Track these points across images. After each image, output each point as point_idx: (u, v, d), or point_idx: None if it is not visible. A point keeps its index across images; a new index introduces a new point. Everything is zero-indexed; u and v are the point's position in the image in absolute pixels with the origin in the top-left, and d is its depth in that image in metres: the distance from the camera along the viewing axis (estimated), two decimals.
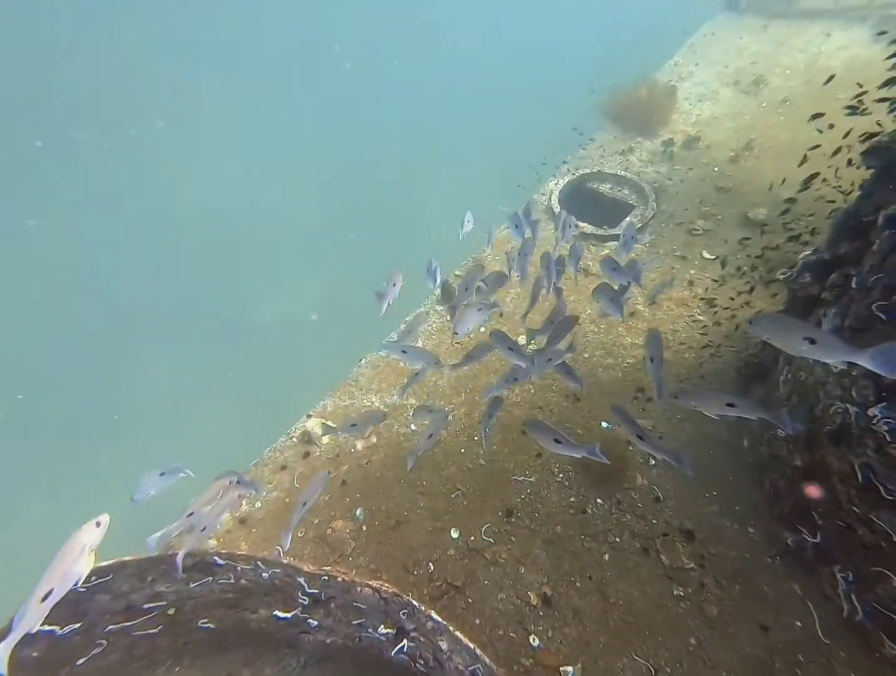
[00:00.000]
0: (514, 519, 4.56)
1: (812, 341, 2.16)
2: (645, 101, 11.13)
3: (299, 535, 4.44)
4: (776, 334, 2.33)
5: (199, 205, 19.72)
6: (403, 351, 3.83)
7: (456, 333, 3.31)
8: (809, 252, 3.91)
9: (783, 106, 10.85)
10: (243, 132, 23.39)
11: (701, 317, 6.31)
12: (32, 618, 1.90)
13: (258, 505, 4.74)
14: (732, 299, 6.30)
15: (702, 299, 6.51)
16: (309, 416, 5.45)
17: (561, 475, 4.90)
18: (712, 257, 7.17)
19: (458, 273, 7.20)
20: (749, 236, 7.22)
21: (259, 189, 20.84)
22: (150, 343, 15.33)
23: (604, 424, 5.32)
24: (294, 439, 5.26)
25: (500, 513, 4.62)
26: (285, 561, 2.80)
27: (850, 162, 5.12)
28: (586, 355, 6.10)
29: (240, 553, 2.78)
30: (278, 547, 4.25)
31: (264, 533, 4.51)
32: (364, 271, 15.72)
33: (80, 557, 2.03)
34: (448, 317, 6.63)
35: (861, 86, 5.22)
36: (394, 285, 3.50)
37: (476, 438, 5.32)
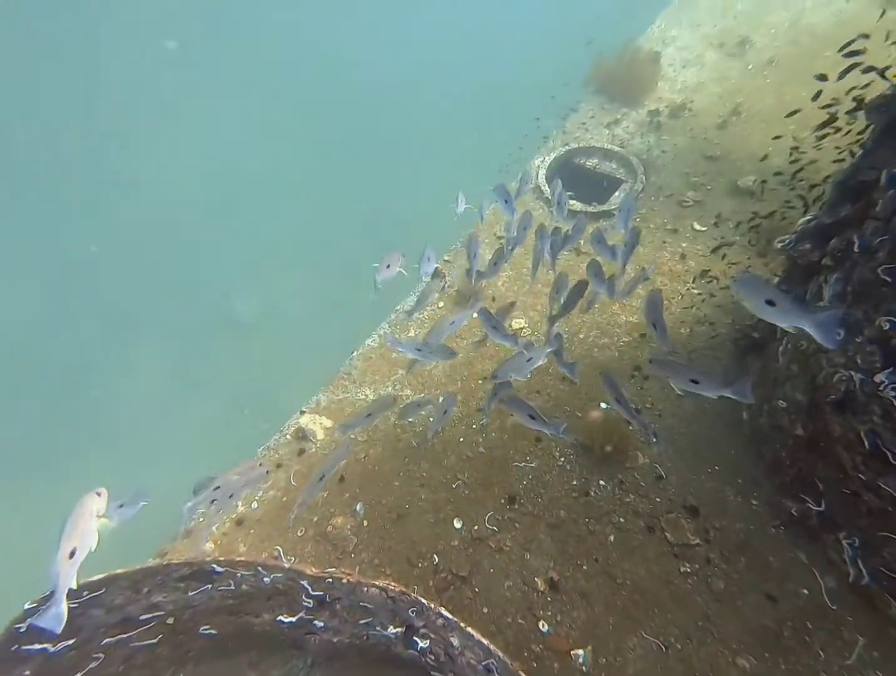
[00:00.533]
0: (516, 506, 4.51)
1: (772, 303, 2.21)
2: (629, 70, 10.86)
3: (299, 534, 4.36)
4: (747, 295, 2.34)
5: (179, 194, 19.12)
6: (419, 350, 3.72)
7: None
8: (808, 218, 3.80)
9: (769, 67, 10.64)
10: (220, 118, 22.61)
11: (695, 291, 6.22)
12: (67, 574, 2.01)
13: (255, 505, 4.64)
14: (727, 269, 6.22)
15: (696, 273, 6.42)
16: (302, 413, 5.32)
17: (562, 459, 4.84)
18: (704, 228, 7.06)
19: (447, 258, 7.04)
20: (741, 205, 7.12)
21: (239, 178, 20.24)
22: (132, 340, 14.88)
23: (602, 405, 5.25)
24: (288, 436, 5.14)
25: (502, 501, 4.56)
26: (287, 566, 2.70)
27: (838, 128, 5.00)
28: (581, 336, 6.00)
29: (239, 559, 2.68)
30: (278, 548, 4.17)
31: (262, 533, 4.42)
32: (352, 261, 15.48)
33: (92, 519, 2.11)
34: (439, 306, 6.49)
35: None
36: (388, 266, 3.43)
37: (475, 426, 5.24)
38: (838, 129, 5.07)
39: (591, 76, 11.03)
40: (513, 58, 23.85)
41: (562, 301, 4.00)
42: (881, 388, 2.85)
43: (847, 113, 4.75)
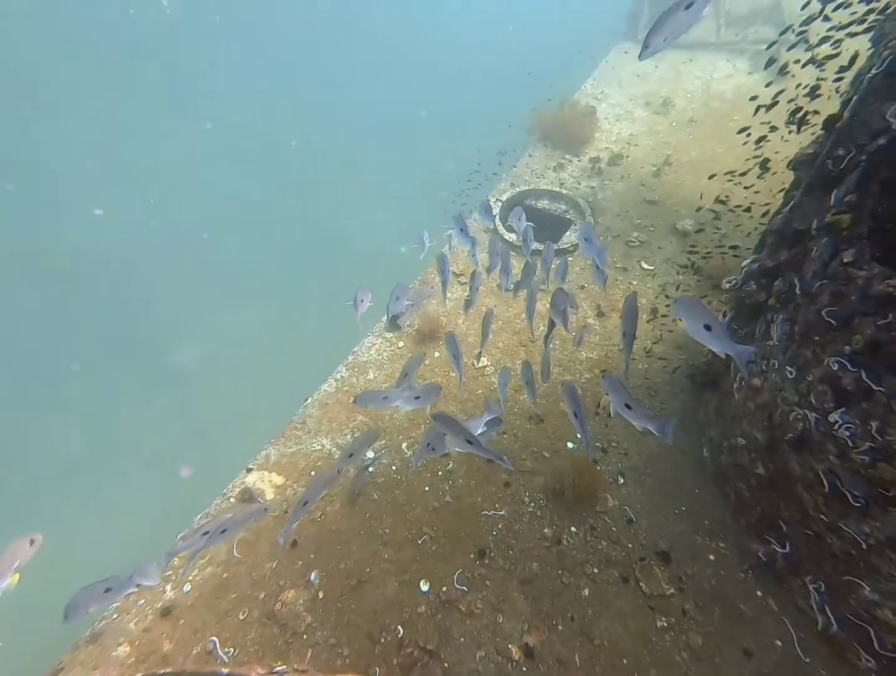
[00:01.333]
0: (487, 561, 4.23)
1: (709, 328, 2.36)
2: (569, 121, 11.60)
3: (241, 617, 3.81)
4: (687, 317, 2.45)
5: (111, 237, 17.91)
6: (416, 397, 3.49)
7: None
8: (751, 260, 4.01)
9: (690, 125, 11.71)
10: (158, 162, 21.73)
11: (649, 326, 6.43)
12: None
13: (187, 588, 4.03)
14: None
15: (647, 310, 6.65)
16: (249, 470, 4.82)
17: (532, 504, 4.66)
18: (651, 267, 7.41)
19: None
20: (683, 245, 7.57)
21: (180, 219, 19.33)
22: (51, 404, 13.21)
23: (569, 445, 5.18)
24: (232, 499, 4.60)
25: (472, 556, 4.28)
26: (225, 672, 2.27)
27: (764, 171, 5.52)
28: None
29: (164, 673, 2.21)
30: (214, 639, 3.59)
31: (195, 622, 3.81)
32: (302, 301, 14.96)
33: (6, 571, 2.08)
34: (399, 346, 6.28)
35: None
36: (362, 302, 3.57)
37: (440, 473, 4.97)
38: (762, 174, 5.61)
39: (534, 124, 11.66)
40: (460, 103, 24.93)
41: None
42: (835, 428, 2.93)
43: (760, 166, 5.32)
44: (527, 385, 3.97)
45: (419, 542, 4.39)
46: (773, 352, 3.67)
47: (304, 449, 5.09)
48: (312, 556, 4.22)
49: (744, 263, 4.07)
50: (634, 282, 7.16)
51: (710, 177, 7.54)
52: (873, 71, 2.65)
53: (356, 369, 5.95)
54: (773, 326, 3.67)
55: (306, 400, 5.58)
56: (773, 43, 6.15)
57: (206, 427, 12.10)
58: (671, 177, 9.73)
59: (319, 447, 5.12)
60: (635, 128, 11.96)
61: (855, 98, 2.82)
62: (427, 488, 4.86)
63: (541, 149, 11.00)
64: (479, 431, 3.31)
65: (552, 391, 5.74)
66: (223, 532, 2.78)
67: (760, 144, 5.82)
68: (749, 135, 6.06)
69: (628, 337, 2.92)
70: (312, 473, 4.88)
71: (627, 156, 10.47)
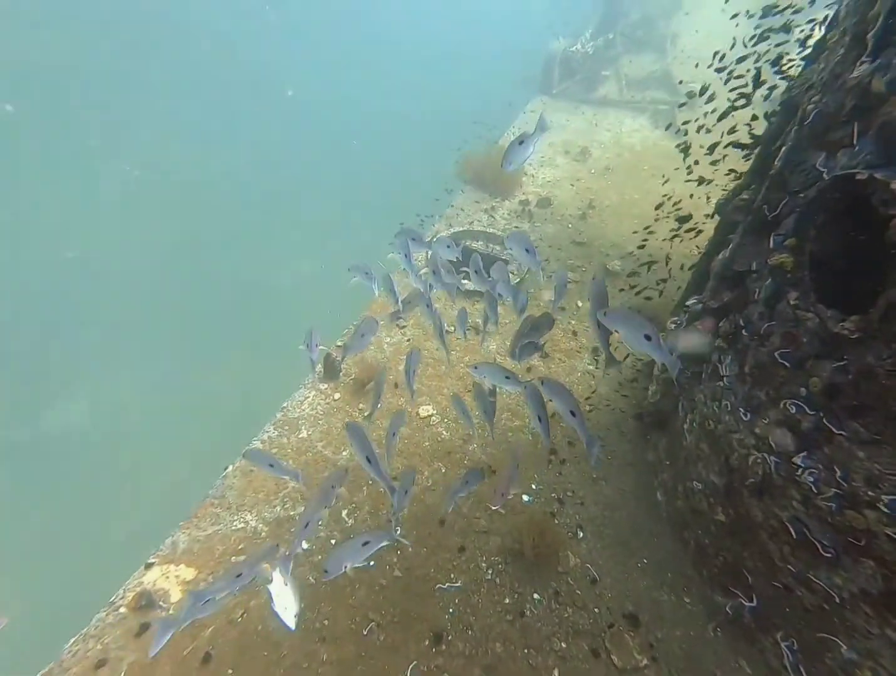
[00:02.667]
0: (444, 646, 3.70)
1: (648, 338, 2.46)
2: (497, 165, 12.01)
3: None
4: (623, 327, 2.56)
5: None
6: (271, 465, 3.45)
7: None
8: (694, 301, 4.07)
9: (607, 172, 12.62)
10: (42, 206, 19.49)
11: (591, 367, 6.42)
12: None
13: None
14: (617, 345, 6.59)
15: (588, 349, 6.68)
16: (149, 565, 3.92)
17: (490, 570, 4.22)
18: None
19: (339, 343, 6.37)
20: (613, 285, 7.81)
21: (76, 255, 17.27)
22: None
23: (525, 497, 4.85)
24: (122, 608, 3.65)
25: (427, 641, 3.72)
26: None
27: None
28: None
29: None
30: None
31: None
32: (216, 350, 13.62)
33: None
34: (335, 398, 5.70)
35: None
36: (316, 345, 3.59)
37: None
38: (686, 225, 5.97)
39: (463, 169, 11.92)
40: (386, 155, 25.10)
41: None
42: (798, 473, 2.87)
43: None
44: (463, 415, 3.95)
45: (364, 633, 3.76)
46: (724, 394, 3.65)
47: (223, 529, 4.28)
48: (231, 672, 3.42)
49: (688, 303, 4.13)
50: (573, 322, 7.22)
51: (634, 232, 7.94)
52: (802, 123, 2.78)
53: (286, 427, 5.28)
54: (722, 367, 3.67)
55: (226, 468, 4.80)
56: (683, 104, 6.69)
57: (91, 511, 9.83)
58: (596, 220, 10.26)
59: (242, 525, 4.35)
60: (558, 173, 12.65)
61: (784, 148, 2.95)
62: (372, 563, 4.26)
63: (472, 191, 11.21)
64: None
65: (500, 439, 5.45)
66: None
67: (678, 207, 6.27)
68: (667, 181, 6.51)
69: (604, 328, 2.75)
70: (233, 559, 4.09)
71: (553, 201, 10.94)
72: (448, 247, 4.21)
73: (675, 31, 18.68)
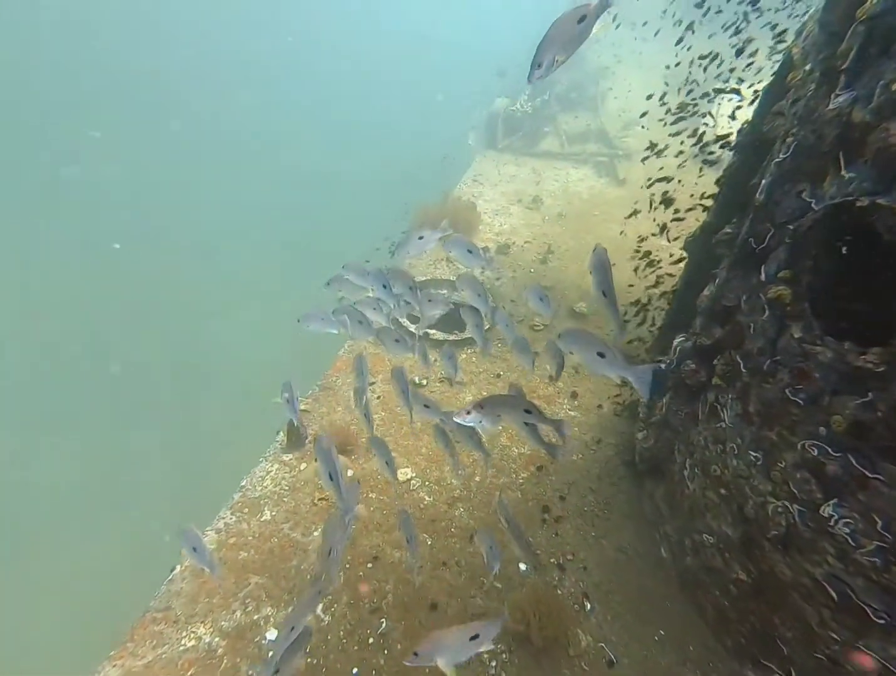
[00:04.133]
0: None
1: (602, 355, 2.47)
2: (454, 214, 12.18)
3: None
4: (578, 348, 2.58)
5: None
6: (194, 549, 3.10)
7: None
8: (682, 338, 3.93)
9: (561, 219, 13.07)
10: None
11: (573, 413, 6.17)
12: None
13: None
14: (592, 386, 6.41)
15: (566, 393, 6.45)
16: None
17: (494, 662, 3.64)
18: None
19: (304, 407, 5.80)
20: (582, 326, 7.76)
21: None
22: None
23: (521, 567, 4.35)
24: None
25: None
26: None
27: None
28: (477, 479, 5.22)
29: None
30: None
31: None
32: (149, 425, 12.26)
33: None
34: (300, 469, 5.07)
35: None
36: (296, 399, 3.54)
37: (371, 640, 3.75)
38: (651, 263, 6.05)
39: (419, 218, 11.97)
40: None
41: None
42: (830, 524, 2.62)
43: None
44: (407, 542, 3.33)
45: None
46: (728, 435, 3.44)
47: (169, 652, 3.48)
48: None
49: (675, 342, 3.99)
50: (547, 367, 7.00)
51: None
52: (781, 156, 2.77)
53: (246, 510, 4.58)
54: (722, 407, 3.48)
55: (172, 570, 4.02)
56: (645, 158, 7.00)
57: None
58: (556, 264, 10.42)
59: (192, 643, 3.55)
60: (514, 221, 12.96)
61: (765, 182, 2.93)
62: (355, 669, 3.58)
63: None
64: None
65: (486, 501, 4.98)
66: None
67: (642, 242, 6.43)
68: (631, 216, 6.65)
69: (609, 295, 2.55)
70: None
71: (512, 247, 11.09)
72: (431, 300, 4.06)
73: (603, 93, 20.44)
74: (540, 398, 6.37)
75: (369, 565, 4.29)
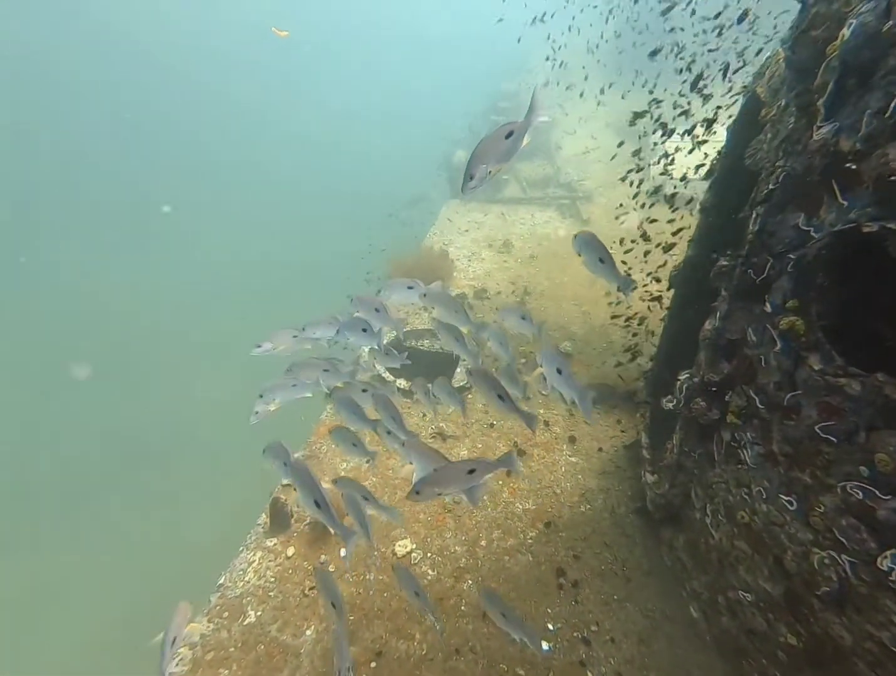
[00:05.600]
0: None
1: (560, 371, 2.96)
2: (427, 263, 12.22)
3: None
4: (545, 362, 3.11)
5: None
6: None
7: None
8: (687, 375, 3.77)
9: (533, 260, 13.28)
10: None
11: (573, 459, 5.87)
12: None
13: None
14: (591, 430, 6.17)
15: (564, 439, 6.18)
16: None
17: None
18: (548, 392, 7.17)
19: (286, 481, 5.31)
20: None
21: None
22: None
23: (544, 646, 3.89)
24: None
25: None
26: None
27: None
28: (483, 543, 4.79)
29: None
30: None
31: None
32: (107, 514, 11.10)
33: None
34: (287, 555, 4.52)
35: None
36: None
37: None
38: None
39: (393, 269, 11.94)
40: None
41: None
42: (892, 578, 2.36)
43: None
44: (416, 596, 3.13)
45: None
46: (753, 478, 3.21)
47: None
48: None
49: (680, 378, 3.82)
50: (541, 411, 6.76)
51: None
52: (770, 186, 2.73)
53: (226, 614, 3.99)
54: (741, 447, 3.27)
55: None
56: (618, 216, 7.22)
57: None
58: (535, 304, 10.42)
59: None
60: (487, 266, 13.08)
61: (757, 213, 2.88)
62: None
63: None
64: None
65: (496, 570, 4.54)
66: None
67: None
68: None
69: (607, 263, 2.79)
70: None
71: (488, 292, 11.10)
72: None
73: (557, 142, 21.58)
74: (538, 446, 6.06)
75: (373, 664, 3.75)
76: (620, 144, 8.48)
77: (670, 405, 3.88)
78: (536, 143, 21.82)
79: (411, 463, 3.02)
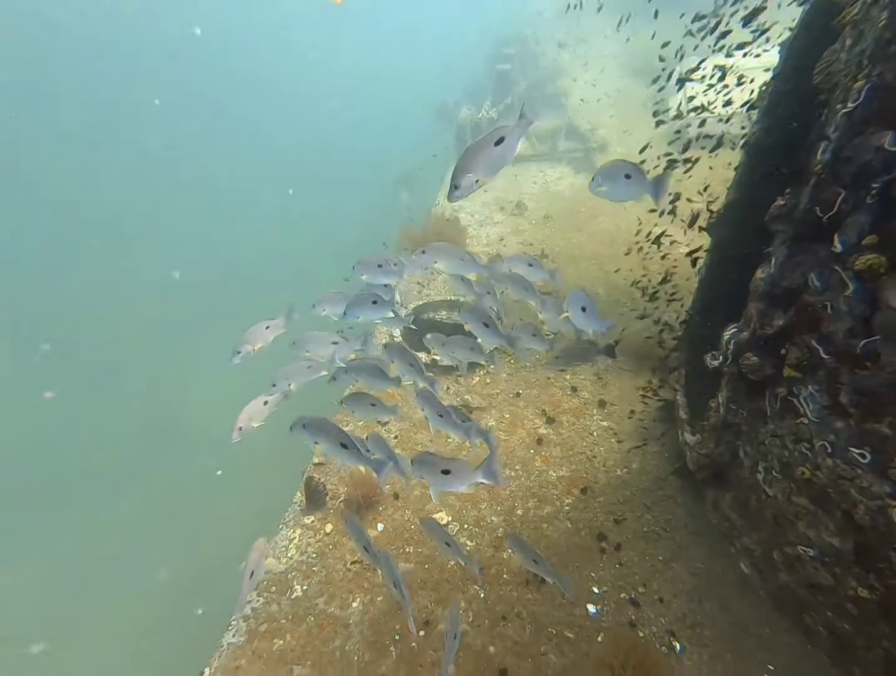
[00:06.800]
0: None
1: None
2: (438, 231, 11.84)
3: None
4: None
5: None
6: None
7: None
8: (734, 330, 3.54)
9: (547, 221, 12.82)
10: None
11: (604, 423, 5.73)
12: None
13: None
14: (619, 393, 6.01)
15: (594, 403, 6.02)
16: None
17: None
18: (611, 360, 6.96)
19: (317, 460, 5.26)
20: None
21: None
22: None
23: (591, 609, 3.85)
24: None
25: None
26: None
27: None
28: (519, 512, 4.73)
29: None
30: None
31: None
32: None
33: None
34: (326, 531, 4.52)
35: None
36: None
37: None
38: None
39: (402, 240, 11.59)
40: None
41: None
42: None
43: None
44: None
45: None
46: (815, 432, 3.02)
47: None
48: None
49: (727, 335, 3.59)
50: (568, 377, 6.59)
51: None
52: (850, 105, 2.42)
53: (274, 588, 4.02)
54: (801, 401, 3.07)
55: (201, 674, 3.44)
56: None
57: None
58: (553, 267, 10.07)
59: None
60: (500, 229, 12.68)
61: (829, 141, 2.57)
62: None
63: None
64: None
65: (534, 538, 4.47)
66: None
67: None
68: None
69: (635, 175, 2.53)
70: None
71: (503, 257, 10.76)
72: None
73: (564, 90, 20.45)
74: (567, 412, 5.92)
75: (421, 633, 3.75)
76: (655, 80, 7.67)
77: (715, 363, 3.66)
78: (544, 94, 20.74)
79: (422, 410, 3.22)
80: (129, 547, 10.14)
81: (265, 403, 3.34)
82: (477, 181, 2.05)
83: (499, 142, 2.00)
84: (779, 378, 3.25)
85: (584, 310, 3.11)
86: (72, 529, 10.93)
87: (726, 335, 3.60)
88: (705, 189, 6.16)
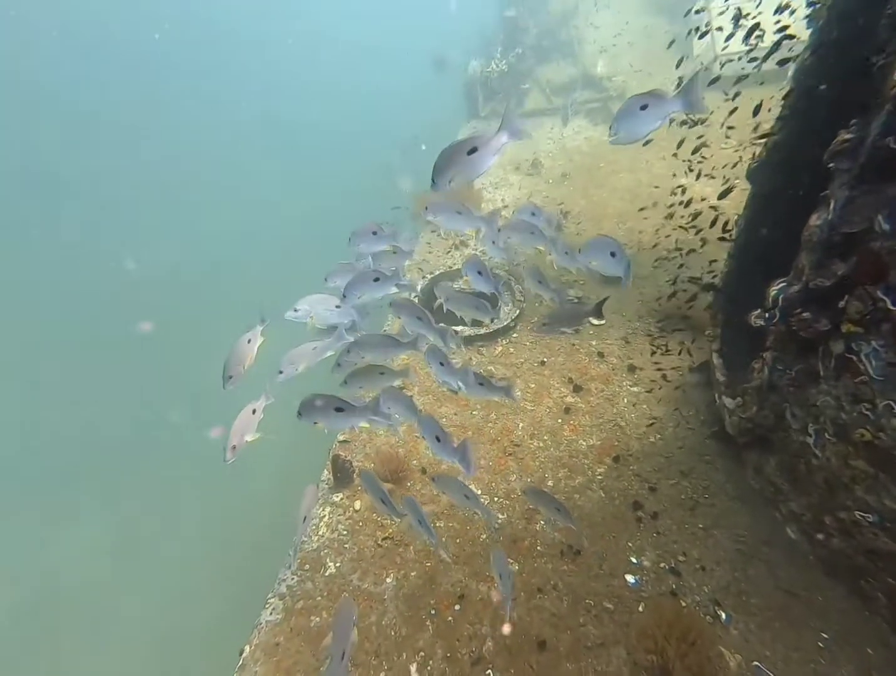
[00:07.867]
0: None
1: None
2: (450, 196, 11.41)
3: None
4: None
5: None
6: None
7: None
8: (782, 284, 3.24)
9: (566, 179, 12.22)
10: None
11: (635, 389, 5.51)
12: None
13: None
14: (650, 357, 5.75)
15: (622, 369, 5.79)
16: None
17: None
18: (601, 322, 6.70)
19: (342, 438, 5.23)
20: (618, 292, 7.04)
21: None
22: None
23: (629, 579, 3.76)
24: None
25: None
26: None
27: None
28: (550, 483, 4.63)
29: None
30: None
31: None
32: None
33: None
34: (355, 508, 4.51)
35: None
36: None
37: None
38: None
39: (417, 208, 11.19)
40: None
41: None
42: None
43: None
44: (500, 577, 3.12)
45: None
46: (878, 391, 2.76)
47: None
48: None
49: (773, 290, 3.30)
50: (594, 343, 6.34)
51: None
52: None
53: (308, 566, 4.05)
54: (862, 358, 2.79)
55: (241, 653, 3.52)
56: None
57: None
58: (573, 227, 9.66)
59: None
60: (516, 192, 12.16)
61: None
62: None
63: (431, 229, 10.47)
64: None
65: (570, 505, 4.37)
66: None
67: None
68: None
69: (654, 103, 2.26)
70: None
71: None
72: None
73: (578, 36, 19.09)
74: (595, 379, 5.71)
75: (457, 607, 3.74)
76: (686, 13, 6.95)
77: (761, 321, 3.38)
78: (556, 42, 19.40)
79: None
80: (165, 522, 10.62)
81: (253, 412, 3.04)
82: (450, 181, 2.08)
83: (471, 151, 2.00)
84: (835, 334, 2.97)
85: (612, 255, 3.02)
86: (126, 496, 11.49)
87: (773, 291, 3.30)
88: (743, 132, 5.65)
